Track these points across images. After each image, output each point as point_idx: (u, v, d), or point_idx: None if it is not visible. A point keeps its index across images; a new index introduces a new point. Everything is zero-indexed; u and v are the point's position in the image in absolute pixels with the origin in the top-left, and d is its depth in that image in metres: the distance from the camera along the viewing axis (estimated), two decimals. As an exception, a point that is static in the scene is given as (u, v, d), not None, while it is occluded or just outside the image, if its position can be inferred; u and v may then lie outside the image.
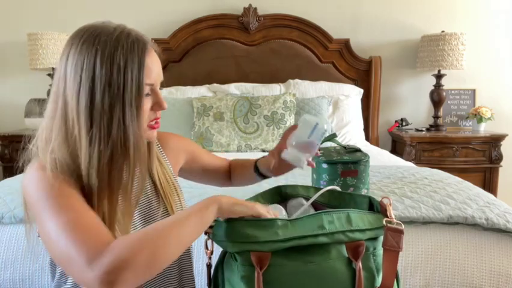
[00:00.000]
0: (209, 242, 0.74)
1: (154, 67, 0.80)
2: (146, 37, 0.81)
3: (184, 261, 0.94)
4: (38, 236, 0.85)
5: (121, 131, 0.75)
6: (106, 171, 0.75)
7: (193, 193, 1.39)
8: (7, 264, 1.24)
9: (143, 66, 0.76)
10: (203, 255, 1.23)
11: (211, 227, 0.73)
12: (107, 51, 0.74)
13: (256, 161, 1.08)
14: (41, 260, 1.24)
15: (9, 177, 1.97)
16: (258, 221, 0.70)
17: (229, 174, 1.15)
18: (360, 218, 0.73)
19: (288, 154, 0.89)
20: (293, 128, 0.93)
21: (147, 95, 0.79)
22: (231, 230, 0.71)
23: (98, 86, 0.74)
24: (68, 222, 0.66)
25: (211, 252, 0.75)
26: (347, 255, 0.71)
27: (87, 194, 0.75)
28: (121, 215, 0.79)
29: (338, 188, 0.90)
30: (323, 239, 0.70)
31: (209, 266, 0.76)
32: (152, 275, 0.64)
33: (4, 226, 1.29)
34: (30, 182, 0.75)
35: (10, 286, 1.23)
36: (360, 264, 0.71)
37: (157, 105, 0.82)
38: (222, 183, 1.16)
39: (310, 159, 0.92)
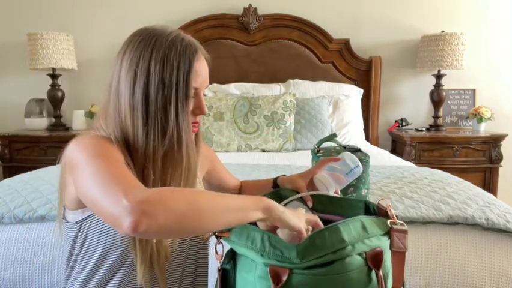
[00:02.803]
0: (219, 246, 0.73)
1: (201, 72, 0.85)
2: (198, 43, 0.87)
3: (201, 256, 0.95)
4: (63, 218, 0.88)
5: (175, 129, 0.81)
6: (159, 164, 0.81)
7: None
8: (7, 264, 1.24)
9: (192, 69, 0.82)
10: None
11: (228, 230, 0.73)
12: (162, 51, 0.80)
13: (275, 180, 1.07)
14: (41, 260, 1.24)
15: (9, 177, 1.97)
16: (280, 241, 0.69)
17: (238, 194, 1.15)
18: (371, 224, 0.72)
19: (323, 178, 0.95)
20: (333, 159, 0.97)
21: (191, 97, 0.84)
22: (251, 239, 0.70)
23: (153, 83, 0.79)
24: (106, 166, 0.69)
25: (222, 257, 0.74)
26: (366, 264, 0.70)
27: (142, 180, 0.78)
28: None
29: (331, 193, 0.91)
30: (344, 253, 0.68)
31: (220, 271, 0.75)
32: (180, 230, 0.63)
33: (4, 226, 1.29)
34: (78, 142, 0.78)
35: (10, 286, 1.24)
36: (381, 272, 0.69)
37: (198, 109, 0.87)
38: None
39: (337, 190, 0.97)
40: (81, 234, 0.84)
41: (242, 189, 1.15)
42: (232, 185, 1.14)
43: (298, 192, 0.95)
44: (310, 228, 0.77)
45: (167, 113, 0.80)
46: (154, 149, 0.80)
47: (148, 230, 0.58)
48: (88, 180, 0.69)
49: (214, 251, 0.73)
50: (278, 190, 0.93)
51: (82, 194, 0.73)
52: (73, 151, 0.77)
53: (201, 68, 0.85)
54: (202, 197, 0.65)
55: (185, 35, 0.85)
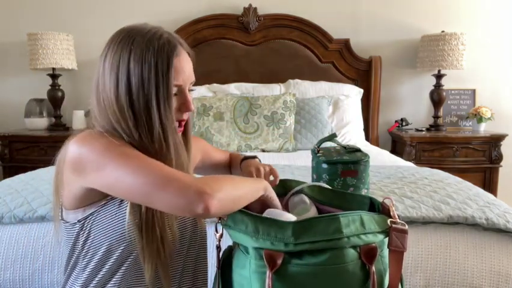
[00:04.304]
0: (219, 225, 0.77)
1: (183, 69, 0.84)
2: (179, 39, 0.86)
3: (201, 250, 0.96)
4: (61, 219, 0.88)
5: (160, 128, 0.81)
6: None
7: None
8: (7, 264, 1.24)
9: (171, 67, 0.81)
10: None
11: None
12: (140, 51, 0.80)
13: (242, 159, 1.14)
14: (41, 260, 1.24)
15: (9, 177, 1.97)
16: (273, 220, 0.70)
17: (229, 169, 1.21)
18: (370, 221, 0.73)
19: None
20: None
21: (174, 95, 0.84)
22: (245, 224, 0.71)
23: (134, 84, 0.79)
24: (144, 164, 0.74)
25: (221, 235, 0.77)
26: (360, 259, 0.71)
27: None
28: None
29: (326, 185, 0.92)
30: (338, 243, 0.69)
31: (219, 248, 0.77)
32: (228, 211, 0.74)
33: (4, 226, 1.29)
34: (82, 144, 0.78)
35: (10, 286, 1.24)
36: (374, 267, 0.70)
37: (183, 106, 0.86)
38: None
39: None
40: (83, 233, 0.84)
41: (231, 161, 1.22)
42: (224, 161, 1.21)
43: (302, 189, 0.95)
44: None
45: (150, 113, 0.80)
46: (146, 151, 0.80)
47: (215, 211, 0.69)
48: (132, 179, 0.72)
49: (214, 229, 0.77)
50: (284, 180, 0.95)
51: (124, 193, 0.74)
52: (83, 152, 0.77)
53: (182, 64, 0.84)
54: (235, 184, 0.76)
55: (165, 32, 0.84)
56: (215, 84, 2.90)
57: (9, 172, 2.74)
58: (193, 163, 1.08)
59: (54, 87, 2.93)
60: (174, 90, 0.83)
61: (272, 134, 2.50)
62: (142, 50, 0.80)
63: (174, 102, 0.84)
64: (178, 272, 0.91)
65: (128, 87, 0.80)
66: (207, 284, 0.96)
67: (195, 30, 3.00)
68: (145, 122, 0.80)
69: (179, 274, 0.91)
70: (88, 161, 0.76)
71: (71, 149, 0.79)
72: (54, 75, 2.92)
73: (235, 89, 2.85)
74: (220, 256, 0.78)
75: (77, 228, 0.85)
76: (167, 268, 0.85)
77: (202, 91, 2.82)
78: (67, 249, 0.88)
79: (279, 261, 0.68)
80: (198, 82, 3.02)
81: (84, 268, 0.85)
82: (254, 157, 1.12)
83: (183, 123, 0.89)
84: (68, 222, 0.86)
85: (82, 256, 0.86)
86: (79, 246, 0.85)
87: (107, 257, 0.83)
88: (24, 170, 2.07)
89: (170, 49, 0.82)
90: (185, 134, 0.93)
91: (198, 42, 3.01)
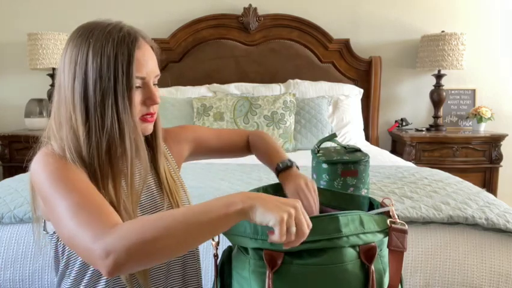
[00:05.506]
0: None
1: (145, 61, 0.81)
2: (141, 32, 0.83)
3: (189, 256, 0.94)
4: (44, 230, 0.87)
5: (116, 122, 0.77)
6: (106, 160, 0.78)
7: (193, 193, 1.39)
8: (7, 264, 1.24)
9: (133, 59, 0.78)
10: (207, 246, 1.24)
11: None
12: (99, 44, 0.77)
13: (277, 172, 1.02)
14: (41, 260, 1.24)
15: (9, 177, 1.97)
16: None
17: (246, 148, 1.14)
18: (369, 221, 0.73)
19: None
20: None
21: (137, 87, 0.81)
22: (243, 227, 0.70)
23: (91, 78, 0.77)
24: (75, 203, 0.68)
25: (218, 243, 0.75)
26: (359, 258, 0.71)
27: (94, 180, 0.78)
28: (127, 202, 0.81)
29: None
30: (338, 242, 0.69)
31: (216, 256, 0.75)
32: (153, 264, 0.65)
33: (4, 226, 1.29)
34: (39, 167, 0.76)
35: (10, 286, 1.24)
36: (373, 267, 0.70)
37: (149, 100, 0.83)
38: (237, 157, 1.17)
39: None
40: (60, 243, 0.84)
41: (252, 147, 1.14)
42: (228, 146, 1.13)
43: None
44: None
45: (105, 107, 0.76)
46: (96, 144, 0.77)
47: (122, 273, 0.62)
48: (59, 221, 0.69)
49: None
50: (280, 184, 0.94)
51: (58, 232, 0.73)
52: (38, 176, 0.75)
53: (145, 56, 0.81)
54: (167, 230, 0.62)
55: (125, 25, 0.82)
56: (215, 84, 2.90)
57: (9, 172, 2.74)
58: (180, 157, 1.05)
59: (54, 87, 2.93)
60: (137, 82, 0.80)
61: (272, 134, 2.50)
62: (102, 42, 0.77)
63: (138, 96, 0.81)
64: (162, 271, 0.89)
65: (85, 81, 0.77)
66: (201, 284, 0.95)
67: (194, 30, 3.00)
68: (99, 115, 0.77)
69: (164, 273, 0.89)
70: (38, 191, 0.76)
71: (31, 171, 0.78)
72: (54, 75, 2.93)
73: (235, 89, 2.84)
74: (219, 259, 0.77)
75: (55, 238, 0.84)
76: (145, 271, 0.83)
77: (202, 91, 2.82)
78: (53, 256, 0.88)
79: (279, 261, 0.67)
80: (198, 82, 3.04)
81: (69, 274, 0.84)
82: (290, 166, 0.98)
83: (151, 116, 0.85)
84: (48, 233, 0.86)
85: (64, 264, 0.85)
86: (60, 255, 0.85)
87: (86, 267, 0.82)
88: (24, 170, 2.06)
89: (131, 41, 0.79)
90: (155, 126, 0.90)
91: (198, 42, 3.01)
